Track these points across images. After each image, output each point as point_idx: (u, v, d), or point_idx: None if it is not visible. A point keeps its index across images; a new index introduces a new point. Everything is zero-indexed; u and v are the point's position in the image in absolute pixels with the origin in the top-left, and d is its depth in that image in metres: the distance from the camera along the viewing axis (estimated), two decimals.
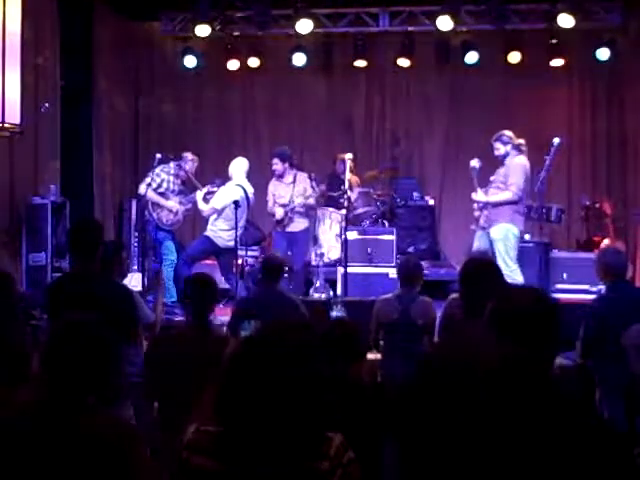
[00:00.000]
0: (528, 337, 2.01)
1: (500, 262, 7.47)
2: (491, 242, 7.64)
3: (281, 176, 8.70)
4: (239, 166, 8.44)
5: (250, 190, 8.38)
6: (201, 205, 8.39)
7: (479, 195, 7.68)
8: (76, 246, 4.41)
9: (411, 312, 5.45)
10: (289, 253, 8.53)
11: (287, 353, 1.89)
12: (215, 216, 8.27)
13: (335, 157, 10.16)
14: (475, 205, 7.80)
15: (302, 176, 8.80)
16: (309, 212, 8.96)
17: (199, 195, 8.44)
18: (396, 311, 5.47)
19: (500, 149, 7.68)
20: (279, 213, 8.59)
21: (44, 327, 5.78)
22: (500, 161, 7.71)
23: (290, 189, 8.65)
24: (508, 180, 7.56)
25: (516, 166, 7.59)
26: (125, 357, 4.25)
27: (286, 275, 8.76)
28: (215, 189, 8.41)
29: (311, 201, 8.71)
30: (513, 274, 7.47)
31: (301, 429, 1.87)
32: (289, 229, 8.71)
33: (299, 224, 8.75)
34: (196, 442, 2.00)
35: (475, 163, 7.74)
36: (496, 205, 7.59)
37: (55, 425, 2.32)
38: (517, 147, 7.69)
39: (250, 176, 8.54)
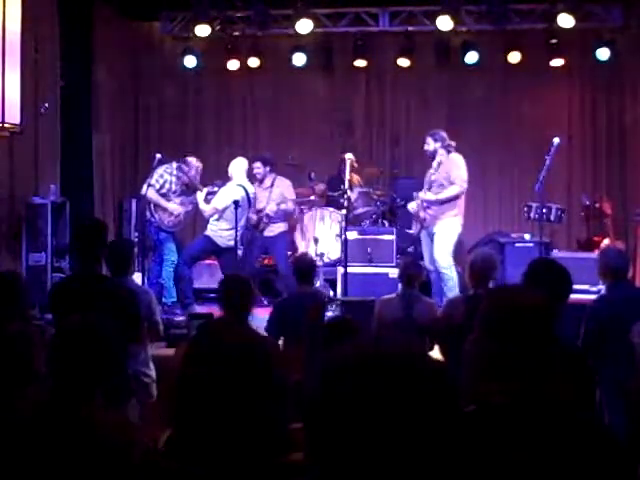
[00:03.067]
0: (519, 336, 2.00)
1: (439, 256, 7.53)
2: (431, 239, 7.71)
3: (261, 180, 8.71)
4: (239, 166, 8.45)
5: (251, 190, 8.40)
6: (202, 206, 8.39)
7: (428, 194, 7.75)
8: (81, 246, 4.41)
9: (415, 312, 5.44)
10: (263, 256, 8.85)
11: (233, 352, 1.90)
12: (216, 216, 8.28)
13: (342, 159, 10.13)
14: (413, 207, 7.86)
15: (281, 181, 8.80)
16: (289, 216, 8.99)
17: (200, 196, 8.43)
18: (399, 311, 5.46)
19: (430, 144, 7.84)
20: (253, 218, 8.62)
21: (44, 327, 5.79)
22: (429, 158, 7.87)
23: (267, 193, 8.65)
24: (451, 175, 7.67)
25: (456, 161, 7.75)
26: (130, 356, 4.26)
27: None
28: (216, 189, 8.41)
29: (285, 206, 8.69)
30: (450, 271, 7.55)
31: (259, 426, 1.87)
32: (265, 233, 8.74)
33: (275, 228, 8.76)
34: (166, 447, 2.01)
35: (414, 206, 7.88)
36: (443, 202, 7.68)
37: (60, 422, 2.33)
38: (447, 147, 7.82)
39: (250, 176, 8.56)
